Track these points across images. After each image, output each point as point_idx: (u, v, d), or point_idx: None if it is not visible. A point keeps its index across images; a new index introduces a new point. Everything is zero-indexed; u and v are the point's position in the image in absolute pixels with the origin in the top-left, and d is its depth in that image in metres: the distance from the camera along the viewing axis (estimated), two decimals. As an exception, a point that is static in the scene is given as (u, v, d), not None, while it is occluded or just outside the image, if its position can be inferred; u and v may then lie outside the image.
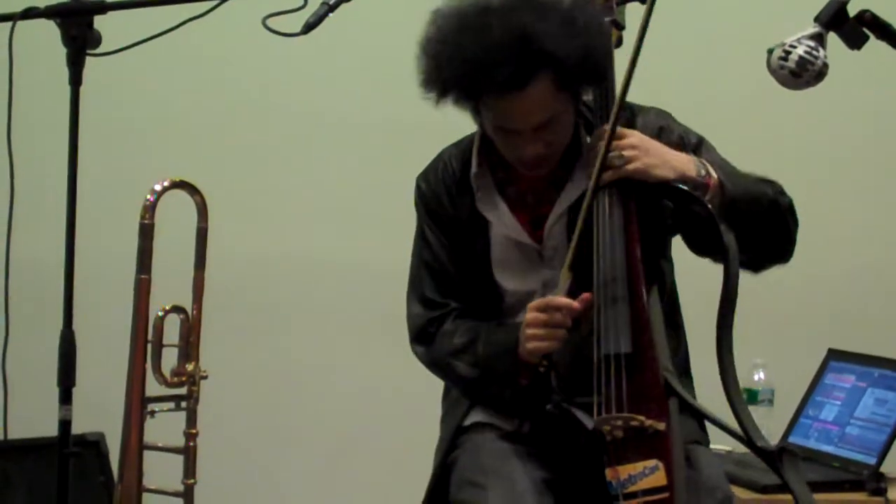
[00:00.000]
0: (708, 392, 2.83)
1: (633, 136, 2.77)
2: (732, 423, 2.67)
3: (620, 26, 2.86)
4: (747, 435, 2.66)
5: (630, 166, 2.72)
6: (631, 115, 2.90)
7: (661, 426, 2.64)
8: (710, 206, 2.68)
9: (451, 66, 2.72)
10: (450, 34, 2.74)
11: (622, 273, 2.72)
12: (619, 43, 2.85)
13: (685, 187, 2.72)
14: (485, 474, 2.81)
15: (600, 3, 2.85)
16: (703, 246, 2.81)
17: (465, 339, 2.93)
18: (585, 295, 2.71)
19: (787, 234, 2.86)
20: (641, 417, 2.63)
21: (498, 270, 2.95)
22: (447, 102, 2.81)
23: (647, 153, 2.74)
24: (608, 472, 2.64)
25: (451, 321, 2.98)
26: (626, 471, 2.63)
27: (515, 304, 2.94)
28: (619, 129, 2.74)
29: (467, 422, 2.98)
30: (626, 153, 2.72)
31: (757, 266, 2.88)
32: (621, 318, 2.69)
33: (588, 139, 2.89)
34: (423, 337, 3.02)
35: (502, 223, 2.94)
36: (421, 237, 3.06)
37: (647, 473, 2.62)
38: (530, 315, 2.75)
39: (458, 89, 2.76)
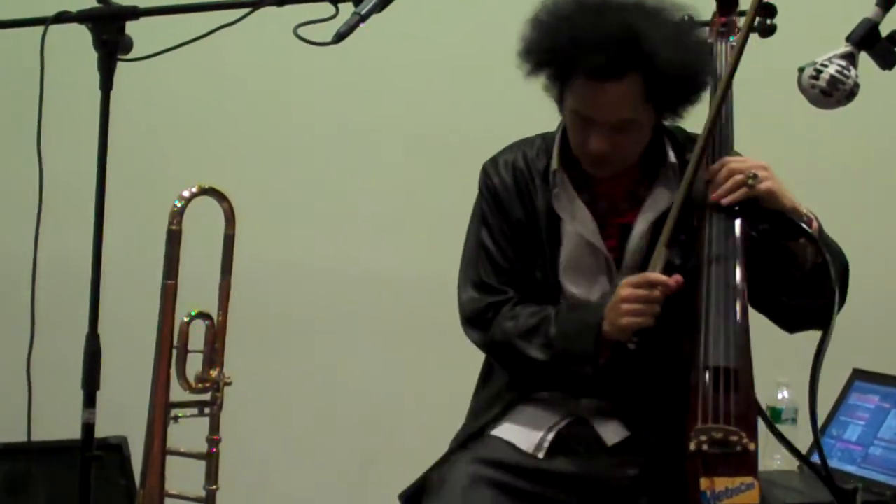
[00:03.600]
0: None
1: (758, 160, 2.78)
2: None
3: None
4: (828, 472, 2.69)
5: (763, 186, 2.73)
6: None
7: (752, 446, 2.63)
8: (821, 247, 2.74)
9: (557, 39, 2.77)
10: (566, 12, 2.78)
11: (734, 290, 2.72)
12: None
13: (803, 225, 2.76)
14: None
15: (716, 27, 2.92)
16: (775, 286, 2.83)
17: (533, 322, 2.90)
18: (678, 277, 2.73)
19: (843, 301, 2.85)
20: (743, 433, 2.63)
21: (565, 272, 2.94)
22: (539, 75, 2.85)
23: (774, 178, 2.76)
24: (703, 482, 2.61)
25: (511, 307, 2.96)
26: (722, 483, 2.61)
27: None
28: (740, 155, 2.81)
29: (491, 430, 2.97)
30: (759, 173, 2.73)
31: (799, 325, 2.91)
32: (732, 333, 2.69)
33: (672, 156, 2.92)
34: (479, 322, 2.99)
35: (578, 222, 2.93)
36: (481, 220, 3.03)
37: (743, 489, 2.61)
38: (626, 291, 2.74)
39: (555, 63, 2.80)
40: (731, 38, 2.93)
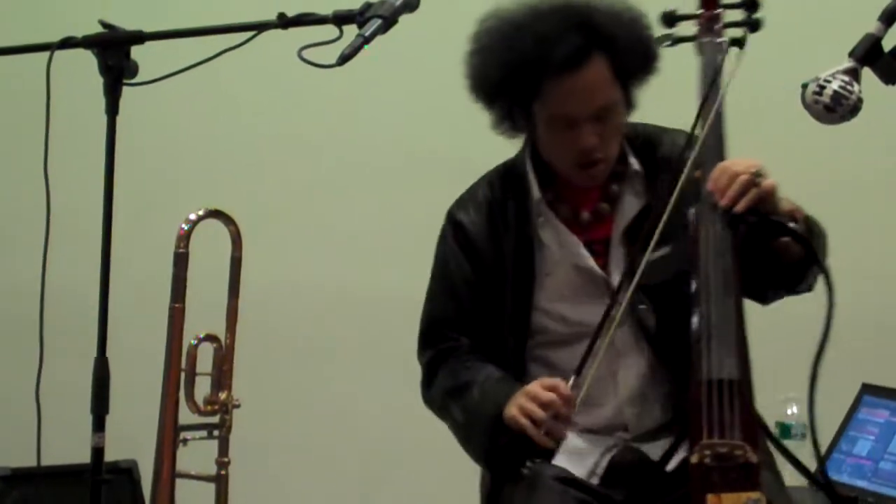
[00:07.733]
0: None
1: (750, 159, 2.72)
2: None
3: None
4: (827, 480, 2.67)
5: (767, 183, 2.67)
6: (657, 136, 2.93)
7: (755, 458, 2.61)
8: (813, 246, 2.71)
9: (520, 49, 2.76)
10: (505, 27, 2.80)
11: (733, 298, 2.68)
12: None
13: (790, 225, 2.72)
14: None
15: (702, 22, 2.87)
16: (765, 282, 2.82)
17: (465, 379, 2.90)
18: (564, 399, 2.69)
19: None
20: (747, 447, 2.59)
21: (561, 300, 2.90)
22: (504, 97, 2.85)
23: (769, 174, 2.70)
24: (710, 499, 2.58)
25: (457, 357, 2.96)
26: (730, 499, 2.58)
27: (571, 335, 2.89)
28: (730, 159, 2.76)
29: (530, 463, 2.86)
30: (759, 171, 2.68)
31: (773, 297, 2.89)
32: (731, 344, 2.65)
33: (636, 163, 2.90)
34: (429, 378, 3.02)
35: (567, 251, 2.90)
36: (444, 268, 3.02)
37: None
38: (531, 388, 2.73)
39: (524, 73, 2.77)
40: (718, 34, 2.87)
